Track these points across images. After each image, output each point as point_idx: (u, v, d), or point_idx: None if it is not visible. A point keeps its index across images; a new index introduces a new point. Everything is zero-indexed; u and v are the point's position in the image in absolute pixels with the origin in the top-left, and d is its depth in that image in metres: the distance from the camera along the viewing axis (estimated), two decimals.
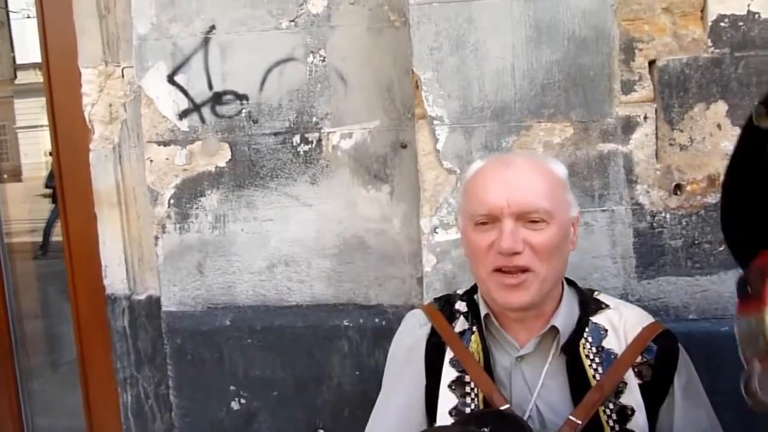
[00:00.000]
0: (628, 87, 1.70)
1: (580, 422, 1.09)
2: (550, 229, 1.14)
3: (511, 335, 1.23)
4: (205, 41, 2.02)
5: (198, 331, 2.09)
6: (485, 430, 1.03)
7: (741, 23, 1.64)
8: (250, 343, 2.06)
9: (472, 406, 1.20)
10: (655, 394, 1.17)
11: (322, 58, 1.99)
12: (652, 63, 1.69)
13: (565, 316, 1.21)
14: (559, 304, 1.22)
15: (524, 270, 1.12)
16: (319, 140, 2.02)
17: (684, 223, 1.72)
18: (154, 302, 2.28)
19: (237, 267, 2.09)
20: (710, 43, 1.65)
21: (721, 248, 1.71)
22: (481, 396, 1.18)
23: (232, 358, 2.08)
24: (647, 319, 1.24)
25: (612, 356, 1.18)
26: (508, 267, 1.12)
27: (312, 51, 1.98)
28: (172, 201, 2.09)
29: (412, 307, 2.02)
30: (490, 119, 1.73)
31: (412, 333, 1.34)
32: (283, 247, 2.07)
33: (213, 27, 2.01)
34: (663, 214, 1.72)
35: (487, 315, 1.24)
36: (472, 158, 1.75)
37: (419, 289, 2.04)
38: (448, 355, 1.26)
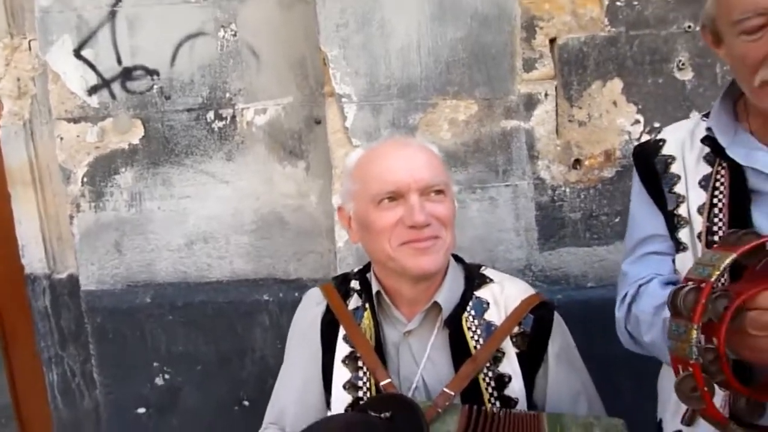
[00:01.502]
0: (529, 65, 1.74)
1: (452, 393, 1.16)
2: (447, 200, 1.20)
3: (400, 311, 1.28)
4: (112, 14, 1.96)
5: (118, 309, 2.09)
6: (386, 414, 1.06)
7: (636, 2, 1.69)
8: (172, 320, 2.07)
9: (364, 380, 1.26)
10: (531, 361, 1.24)
11: (233, 33, 1.96)
12: (552, 41, 1.73)
13: (449, 291, 1.26)
14: (443, 280, 1.27)
15: (432, 237, 1.17)
16: (234, 116, 2.00)
17: (582, 196, 1.79)
18: (75, 281, 2.26)
19: (155, 245, 2.09)
20: (607, 22, 1.70)
21: (617, 219, 1.80)
22: (367, 366, 1.24)
23: (154, 334, 2.09)
24: (527, 291, 1.31)
25: (492, 328, 1.24)
26: (419, 238, 1.16)
27: (223, 25, 1.95)
28: (85, 179, 2.06)
29: None
30: (397, 97, 1.76)
31: (310, 310, 1.38)
32: (202, 224, 2.07)
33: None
34: (563, 188, 1.79)
35: (378, 292, 1.28)
36: (380, 135, 1.78)
37: (337, 263, 2.09)
38: (342, 331, 1.30)
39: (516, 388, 1.22)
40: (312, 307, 1.38)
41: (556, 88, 1.74)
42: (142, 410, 2.12)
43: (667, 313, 0.87)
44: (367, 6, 1.71)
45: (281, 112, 2.00)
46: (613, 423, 1.06)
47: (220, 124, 2.01)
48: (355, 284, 1.37)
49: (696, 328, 0.77)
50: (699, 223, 1.01)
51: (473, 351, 1.23)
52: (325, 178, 2.01)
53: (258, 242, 2.08)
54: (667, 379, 1.12)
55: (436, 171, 1.21)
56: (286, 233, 2.08)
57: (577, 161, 1.77)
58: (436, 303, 1.24)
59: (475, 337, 1.24)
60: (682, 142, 1.08)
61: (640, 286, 1.09)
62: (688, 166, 1.05)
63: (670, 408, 1.10)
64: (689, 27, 1.69)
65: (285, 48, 1.96)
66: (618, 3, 1.69)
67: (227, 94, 1.99)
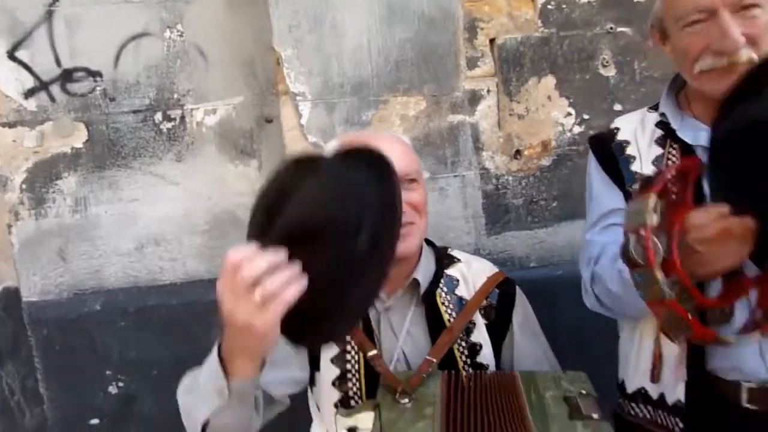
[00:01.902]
0: (472, 63, 1.87)
1: (434, 360, 1.26)
2: (420, 188, 1.29)
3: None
4: (49, 14, 1.90)
5: (65, 319, 2.02)
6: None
7: (564, 5, 1.86)
8: (124, 326, 2.03)
9: (352, 353, 1.32)
10: (498, 331, 1.36)
11: (179, 33, 1.95)
12: (492, 41, 1.87)
13: (424, 270, 1.36)
14: (419, 260, 1.36)
15: (407, 223, 1.25)
16: (183, 117, 2.00)
17: (524, 183, 1.95)
18: (11, 293, 2.15)
19: (103, 250, 2.04)
20: (540, 24, 1.86)
21: (554, 204, 1.97)
22: (354, 341, 1.31)
23: (105, 342, 2.04)
24: (492, 269, 1.43)
25: (463, 302, 1.35)
26: None
27: (168, 26, 1.94)
28: (24, 186, 1.97)
29: None
30: (350, 94, 1.83)
31: None
32: (152, 226, 2.04)
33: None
34: (506, 177, 1.94)
35: None
36: (335, 132, 1.85)
37: None
38: None
39: (487, 356, 1.34)
40: None
41: (497, 84, 1.88)
42: (95, 421, 2.06)
43: (621, 265, 1.01)
44: (319, 7, 1.77)
45: (232, 111, 2.02)
46: (577, 375, 1.19)
47: (169, 125, 2.00)
48: None
49: (657, 271, 0.89)
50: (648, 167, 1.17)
51: (447, 323, 1.33)
52: None
53: (212, 242, 2.08)
54: (627, 343, 1.26)
55: (409, 160, 1.30)
56: (240, 231, 2.09)
57: (518, 152, 1.92)
58: (415, 279, 1.33)
59: (449, 311, 1.35)
60: (634, 129, 1.23)
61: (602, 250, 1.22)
62: (642, 149, 1.20)
63: (632, 368, 1.24)
64: (611, 28, 1.88)
65: (233, 48, 1.98)
66: (549, 6, 1.85)
67: (175, 95, 1.98)
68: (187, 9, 1.94)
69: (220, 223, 2.08)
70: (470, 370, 1.29)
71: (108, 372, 2.05)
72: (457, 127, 1.87)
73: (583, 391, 1.12)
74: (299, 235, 0.83)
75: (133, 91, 1.96)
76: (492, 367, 1.33)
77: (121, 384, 2.06)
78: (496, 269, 1.44)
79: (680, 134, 1.15)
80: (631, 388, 1.24)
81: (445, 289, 1.37)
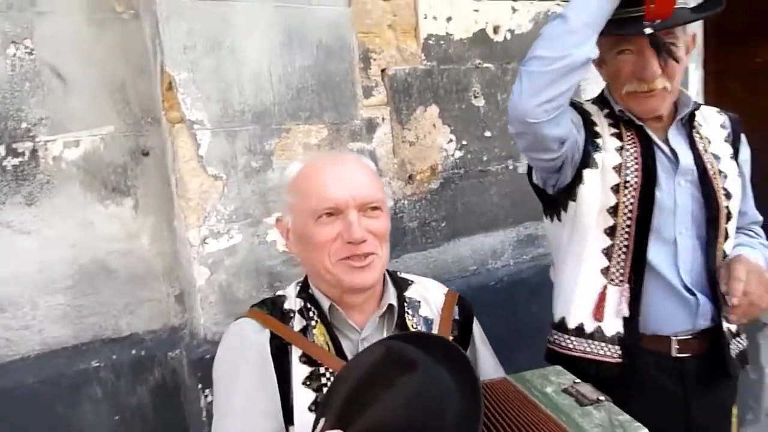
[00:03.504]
0: (367, 92, 1.92)
1: None
2: (384, 216, 1.26)
3: (353, 320, 1.30)
4: None
5: None
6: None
7: (442, 42, 2.03)
8: None
9: (323, 370, 1.23)
10: (463, 344, 1.40)
11: (28, 50, 1.62)
12: (383, 71, 1.95)
13: (392, 296, 1.34)
14: (385, 286, 1.34)
15: (368, 254, 1.21)
16: (35, 151, 1.65)
17: (417, 207, 2.04)
18: None
19: None
20: (423, 57, 2.00)
21: (444, 224, 2.10)
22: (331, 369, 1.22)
23: None
24: (443, 287, 1.47)
25: (429, 322, 1.37)
26: (356, 254, 1.19)
27: (14, 41, 1.60)
28: None
29: (173, 330, 1.88)
30: (251, 122, 1.72)
31: (251, 341, 1.27)
32: None
33: None
34: (402, 201, 2.01)
35: (331, 306, 1.28)
36: (237, 163, 1.72)
37: (179, 307, 1.89)
38: (295, 353, 1.25)
39: None
40: (252, 337, 1.28)
41: (390, 113, 1.96)
42: None
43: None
44: (216, 29, 1.64)
45: (99, 143, 1.73)
46: (555, 369, 1.29)
47: (16, 161, 1.62)
48: (292, 305, 1.33)
49: None
50: (614, 157, 1.39)
51: None
52: (158, 214, 1.82)
53: (77, 300, 1.73)
54: (571, 285, 1.48)
55: (373, 188, 1.27)
56: (112, 284, 1.78)
57: (411, 176, 2.02)
58: (390, 305, 1.31)
59: None
60: (592, 110, 1.46)
61: None
62: (602, 123, 1.44)
63: (574, 306, 1.46)
64: (479, 64, 2.11)
65: (99, 70, 1.71)
66: (430, 42, 2.01)
67: (23, 124, 1.63)
68: (38, 21, 1.62)
69: (86, 277, 1.74)
70: None
71: None
72: (357, 154, 1.89)
73: (576, 380, 1.23)
74: None
75: None
76: None
77: None
78: (446, 288, 1.49)
79: (646, 128, 1.41)
80: (572, 324, 1.46)
81: (410, 311, 1.37)
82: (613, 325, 1.42)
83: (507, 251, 2.27)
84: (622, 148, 1.39)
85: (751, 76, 4.74)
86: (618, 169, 1.39)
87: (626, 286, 1.41)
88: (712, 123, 1.45)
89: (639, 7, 1.26)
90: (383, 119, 1.95)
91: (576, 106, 1.44)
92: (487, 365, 1.43)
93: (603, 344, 1.43)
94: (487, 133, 2.15)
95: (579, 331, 1.47)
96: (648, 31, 1.26)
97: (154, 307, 1.85)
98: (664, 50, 1.28)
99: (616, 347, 1.42)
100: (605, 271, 1.43)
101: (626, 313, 1.41)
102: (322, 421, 0.98)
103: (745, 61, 4.59)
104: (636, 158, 1.38)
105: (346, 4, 1.82)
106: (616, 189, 1.40)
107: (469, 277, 2.16)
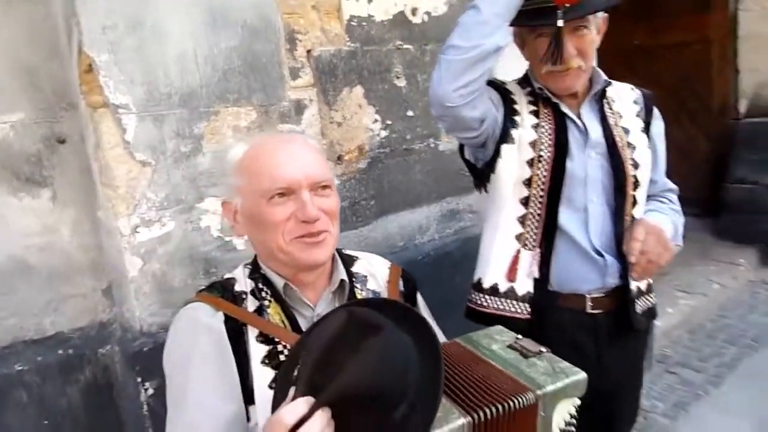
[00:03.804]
0: (294, 73, 1.92)
1: None
2: (333, 195, 1.28)
3: (307, 297, 1.32)
4: None
5: None
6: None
7: (365, 23, 2.06)
8: None
9: (281, 347, 1.25)
10: None
11: None
12: (309, 53, 1.95)
13: (342, 272, 1.37)
14: (334, 262, 1.37)
15: (321, 232, 1.24)
16: None
17: (347, 186, 2.08)
18: None
19: None
20: (347, 38, 2.03)
21: (372, 202, 2.15)
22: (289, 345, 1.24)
23: None
24: (386, 261, 1.52)
25: (377, 295, 1.41)
26: (311, 232, 1.21)
27: None
28: None
29: (102, 326, 1.80)
30: (179, 106, 1.67)
31: (205, 325, 1.25)
32: None
33: None
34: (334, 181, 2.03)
35: (286, 284, 1.29)
36: (166, 148, 1.66)
37: (107, 302, 1.81)
38: (252, 333, 1.25)
39: None
40: (205, 321, 1.26)
41: (317, 94, 1.96)
42: None
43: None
44: (136, 8, 1.57)
45: (9, 131, 1.60)
46: (497, 328, 1.39)
47: None
48: (243, 286, 1.32)
49: None
50: (530, 134, 1.49)
51: None
52: (79, 205, 1.73)
53: None
54: (487, 248, 1.60)
55: (323, 168, 1.29)
56: (32, 281, 1.68)
57: (339, 157, 2.04)
58: (342, 281, 1.34)
59: None
60: (514, 89, 1.54)
61: None
62: (521, 101, 1.52)
63: (491, 268, 1.58)
64: (400, 45, 2.16)
65: (5, 54, 1.58)
66: (353, 23, 2.03)
67: None
68: None
69: (4, 275, 1.63)
70: None
71: None
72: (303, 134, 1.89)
73: (518, 337, 1.33)
74: (349, 399, 0.88)
75: None
76: None
77: None
78: (389, 261, 1.55)
79: (560, 105, 1.51)
80: (486, 284, 1.58)
81: (358, 286, 1.42)
82: (525, 285, 1.54)
83: (432, 226, 2.37)
84: (538, 125, 1.50)
85: (630, 57, 5.21)
86: (533, 144, 1.50)
87: (538, 250, 1.53)
88: (625, 99, 1.60)
89: None
90: (311, 100, 1.96)
91: (497, 85, 1.54)
92: None
93: (515, 302, 1.56)
94: (410, 113, 2.22)
95: (493, 290, 1.58)
96: (560, 23, 1.37)
97: (79, 303, 1.76)
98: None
99: (526, 305, 1.54)
100: (519, 237, 1.55)
101: (537, 274, 1.53)
102: (292, 390, 0.99)
103: (625, 42, 5.04)
104: (550, 134, 1.50)
105: None
106: (530, 163, 1.51)
107: (399, 253, 2.23)
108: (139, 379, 1.65)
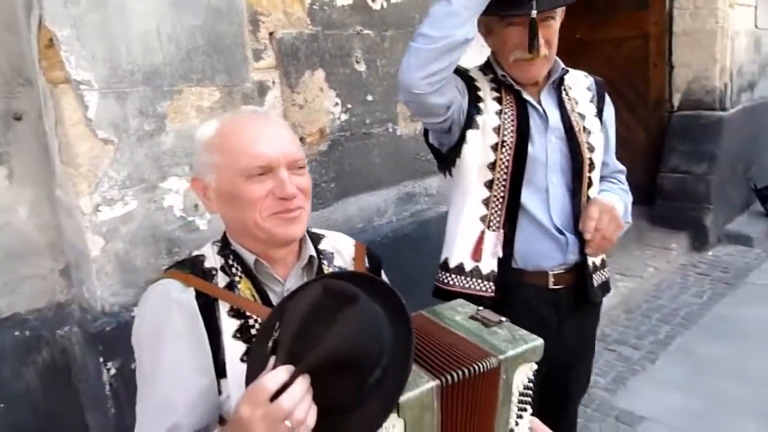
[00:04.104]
0: (257, 55, 1.93)
1: None
2: (306, 173, 1.32)
3: (277, 273, 1.35)
4: None
5: None
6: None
7: (326, 7, 2.09)
8: None
9: (252, 322, 1.29)
10: None
11: None
12: (272, 35, 1.96)
13: (311, 249, 1.42)
14: (303, 240, 1.41)
15: (298, 208, 1.27)
16: None
17: (309, 168, 2.09)
18: None
19: None
20: (309, 22, 2.05)
21: (333, 185, 2.19)
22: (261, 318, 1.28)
23: None
24: (351, 239, 1.57)
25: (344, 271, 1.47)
26: (288, 209, 1.25)
27: None
28: None
29: (60, 307, 1.77)
30: (142, 83, 1.66)
31: (176, 301, 1.27)
32: None
33: None
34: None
35: (257, 260, 1.32)
36: (129, 126, 1.65)
37: (65, 282, 1.78)
38: (223, 308, 1.27)
39: None
40: (177, 296, 1.28)
41: (279, 76, 1.98)
42: None
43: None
44: None
45: None
46: (459, 301, 1.46)
47: None
48: (213, 262, 1.35)
49: None
50: (494, 120, 1.56)
51: None
52: (36, 185, 1.69)
53: None
54: (453, 229, 1.67)
55: (298, 147, 1.32)
56: None
57: (301, 139, 2.07)
58: (310, 257, 1.39)
59: None
60: (477, 76, 1.60)
61: None
62: (485, 88, 1.58)
63: (456, 248, 1.64)
64: (360, 30, 2.20)
65: None
66: (315, 6, 2.05)
67: None
68: None
69: None
70: None
71: None
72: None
73: (479, 309, 1.41)
74: (328, 366, 0.93)
75: None
76: None
77: None
78: (353, 239, 1.60)
79: (520, 90, 1.58)
80: (452, 263, 1.65)
81: (325, 262, 1.46)
82: (489, 265, 1.62)
83: (390, 209, 2.43)
84: (501, 111, 1.57)
85: (572, 50, 5.42)
86: (497, 130, 1.58)
87: (501, 231, 1.61)
88: (580, 86, 1.70)
89: None
90: (273, 82, 1.97)
91: (462, 72, 1.60)
92: None
93: (480, 281, 1.63)
94: (369, 98, 2.26)
95: (459, 270, 1.66)
96: (534, 14, 1.44)
97: (37, 284, 1.72)
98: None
99: (491, 284, 1.62)
100: (483, 219, 1.63)
101: (500, 254, 1.62)
102: (272, 360, 1.03)
103: (568, 35, 5.23)
104: (512, 120, 1.57)
105: None
106: (494, 147, 1.59)
107: (358, 235, 2.27)
108: (101, 360, 1.64)
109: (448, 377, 1.13)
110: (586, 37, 5.37)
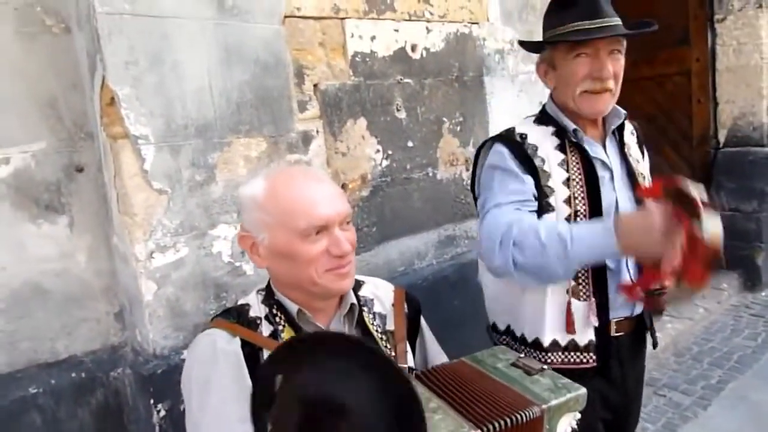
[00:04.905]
0: (302, 106, 2.01)
1: (406, 366, 1.37)
2: (352, 226, 1.36)
3: (319, 323, 1.39)
4: None
5: None
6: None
7: (368, 59, 2.17)
8: None
9: None
10: (412, 336, 1.54)
11: None
12: (316, 86, 2.05)
13: (351, 297, 1.45)
14: None
15: (349, 263, 1.31)
16: None
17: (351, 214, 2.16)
18: None
19: None
20: (351, 73, 2.13)
21: (374, 229, 2.24)
22: None
23: None
24: (390, 284, 1.60)
25: (383, 317, 1.49)
26: (342, 264, 1.29)
27: None
28: None
29: (114, 349, 1.84)
30: (194, 137, 1.75)
31: (223, 350, 1.31)
32: None
33: None
34: None
35: (299, 310, 1.36)
36: (181, 177, 1.74)
37: (118, 325, 1.86)
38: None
39: (411, 359, 1.51)
40: (223, 346, 1.32)
41: (323, 125, 2.06)
42: None
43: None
44: (157, 46, 1.66)
45: (30, 160, 1.67)
46: (500, 348, 1.47)
47: None
48: (257, 312, 1.39)
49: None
50: (563, 191, 1.52)
51: (380, 342, 1.45)
52: (95, 232, 1.79)
53: (9, 325, 1.66)
54: (537, 306, 1.59)
55: (345, 201, 1.37)
56: (47, 305, 1.72)
57: (344, 185, 2.13)
58: (352, 305, 1.42)
59: (376, 329, 1.48)
60: (538, 137, 1.55)
61: (516, 228, 1.44)
62: (548, 153, 1.53)
63: (547, 326, 1.57)
64: (400, 79, 2.28)
65: (28, 85, 1.66)
66: (357, 59, 2.14)
67: None
68: None
69: (19, 300, 1.68)
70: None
71: None
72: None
73: (521, 355, 1.41)
74: None
75: None
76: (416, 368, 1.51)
77: None
78: (392, 284, 1.62)
79: (586, 147, 1.54)
80: (546, 342, 1.58)
81: (365, 310, 1.49)
82: (585, 335, 1.56)
83: (430, 252, 2.45)
84: (569, 179, 1.53)
85: None
86: (568, 201, 1.53)
87: (592, 300, 1.55)
88: (626, 130, 1.67)
89: (594, 20, 1.44)
90: (317, 132, 2.05)
91: (521, 154, 1.53)
92: (434, 352, 1.59)
93: (578, 353, 1.57)
94: (409, 144, 2.32)
95: (554, 346, 1.58)
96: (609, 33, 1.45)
97: (92, 327, 1.81)
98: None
99: (591, 354, 1.56)
100: (569, 290, 1.56)
101: (596, 323, 1.55)
102: None
103: None
104: (581, 186, 1.53)
105: (280, 23, 1.91)
106: (568, 219, 1.54)
107: (398, 278, 2.31)
108: (151, 401, 1.70)
109: (490, 427, 1.13)
110: (628, 75, 5.30)
